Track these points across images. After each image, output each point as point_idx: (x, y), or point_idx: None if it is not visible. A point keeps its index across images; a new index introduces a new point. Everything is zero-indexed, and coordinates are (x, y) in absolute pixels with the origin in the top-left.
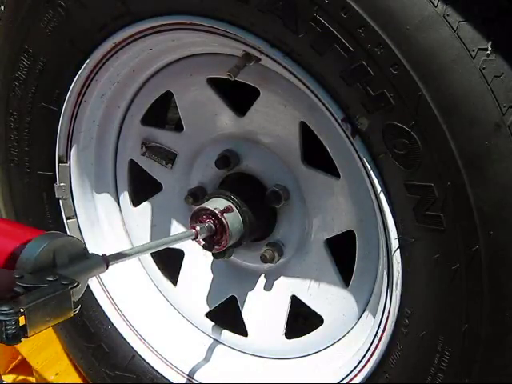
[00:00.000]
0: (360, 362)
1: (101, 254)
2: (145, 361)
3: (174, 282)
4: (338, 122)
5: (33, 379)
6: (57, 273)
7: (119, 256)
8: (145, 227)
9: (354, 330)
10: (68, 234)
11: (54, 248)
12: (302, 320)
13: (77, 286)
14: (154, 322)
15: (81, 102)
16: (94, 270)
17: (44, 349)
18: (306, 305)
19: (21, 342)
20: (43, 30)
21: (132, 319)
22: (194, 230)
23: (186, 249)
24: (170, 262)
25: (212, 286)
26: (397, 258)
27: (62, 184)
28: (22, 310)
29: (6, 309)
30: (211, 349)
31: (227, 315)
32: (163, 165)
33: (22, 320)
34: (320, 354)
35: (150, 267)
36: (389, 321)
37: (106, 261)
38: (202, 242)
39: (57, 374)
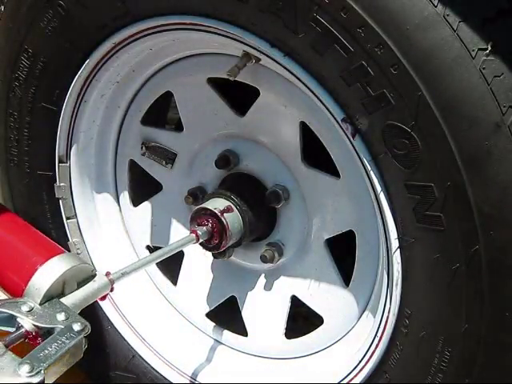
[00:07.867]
0: (360, 361)
1: (105, 273)
2: (145, 361)
3: (174, 282)
4: (337, 122)
5: None
6: (67, 309)
7: (123, 274)
8: (145, 227)
9: (354, 330)
10: (78, 255)
11: (65, 278)
12: (302, 320)
13: (88, 330)
14: (153, 321)
15: (81, 102)
16: (99, 293)
17: None
18: (305, 305)
19: None
20: (43, 30)
21: (132, 319)
22: (194, 235)
23: (186, 249)
24: (169, 262)
25: (212, 286)
26: (397, 258)
27: (62, 184)
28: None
29: (28, 370)
30: (211, 349)
31: (227, 315)
32: (163, 165)
33: None
34: (320, 353)
35: (150, 267)
36: (389, 321)
37: (111, 282)
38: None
39: None
